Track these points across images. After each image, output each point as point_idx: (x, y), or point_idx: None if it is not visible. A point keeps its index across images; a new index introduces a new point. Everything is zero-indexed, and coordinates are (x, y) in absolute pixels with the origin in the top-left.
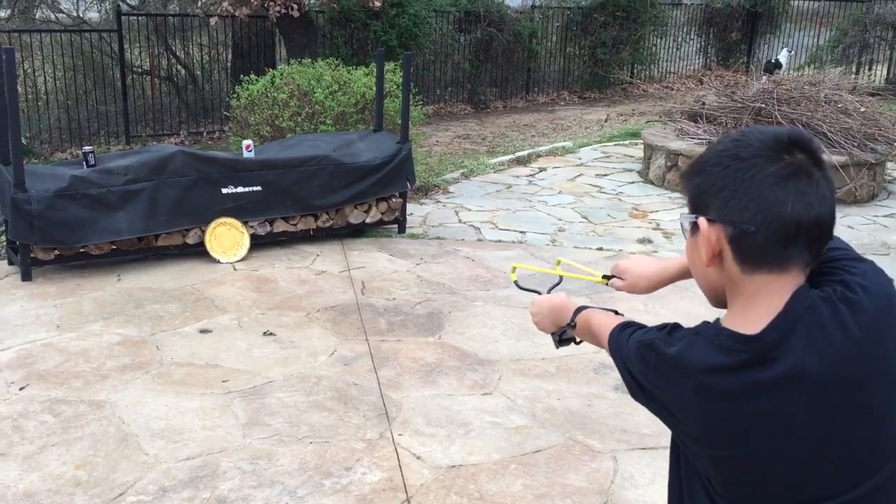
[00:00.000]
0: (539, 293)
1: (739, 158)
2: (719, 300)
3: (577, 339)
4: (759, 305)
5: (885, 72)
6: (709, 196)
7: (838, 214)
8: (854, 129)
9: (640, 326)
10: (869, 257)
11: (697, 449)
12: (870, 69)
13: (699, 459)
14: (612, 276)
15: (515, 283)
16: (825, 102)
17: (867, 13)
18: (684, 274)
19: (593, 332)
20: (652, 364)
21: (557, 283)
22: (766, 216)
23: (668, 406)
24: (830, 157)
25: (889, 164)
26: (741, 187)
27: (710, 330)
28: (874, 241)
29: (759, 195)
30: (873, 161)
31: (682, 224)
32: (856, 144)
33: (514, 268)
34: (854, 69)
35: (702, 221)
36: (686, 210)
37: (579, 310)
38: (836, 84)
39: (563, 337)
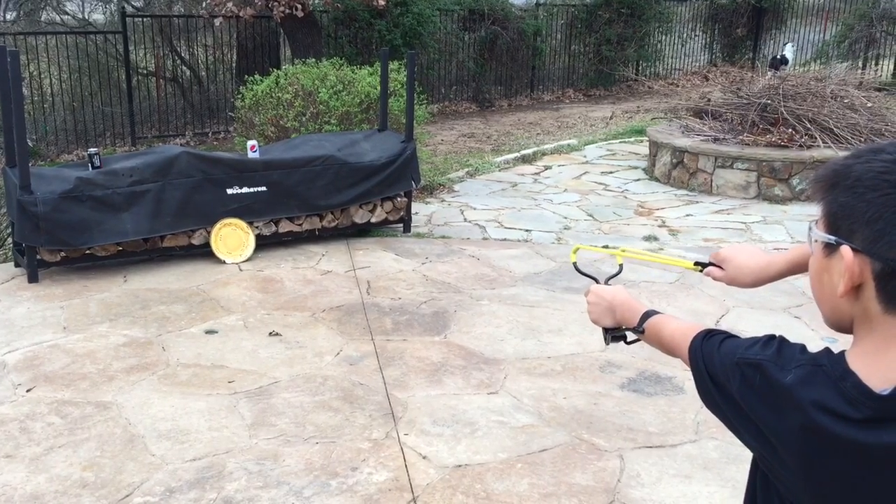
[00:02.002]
0: (597, 280)
1: None
2: (841, 327)
3: (629, 340)
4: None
5: (891, 67)
6: (857, 222)
7: None
8: (861, 124)
9: (729, 335)
10: None
11: (787, 476)
12: (876, 64)
13: (785, 484)
14: (708, 264)
15: (575, 265)
16: (831, 98)
17: (873, 8)
18: (791, 271)
19: (665, 341)
20: (757, 387)
21: (617, 273)
22: None
23: (765, 433)
24: (837, 153)
25: None
26: None
27: (835, 368)
28: None
29: None
30: None
31: (810, 236)
32: (863, 140)
33: (577, 248)
34: (860, 64)
35: (846, 250)
36: (815, 220)
37: (648, 314)
38: (843, 79)
39: (616, 335)
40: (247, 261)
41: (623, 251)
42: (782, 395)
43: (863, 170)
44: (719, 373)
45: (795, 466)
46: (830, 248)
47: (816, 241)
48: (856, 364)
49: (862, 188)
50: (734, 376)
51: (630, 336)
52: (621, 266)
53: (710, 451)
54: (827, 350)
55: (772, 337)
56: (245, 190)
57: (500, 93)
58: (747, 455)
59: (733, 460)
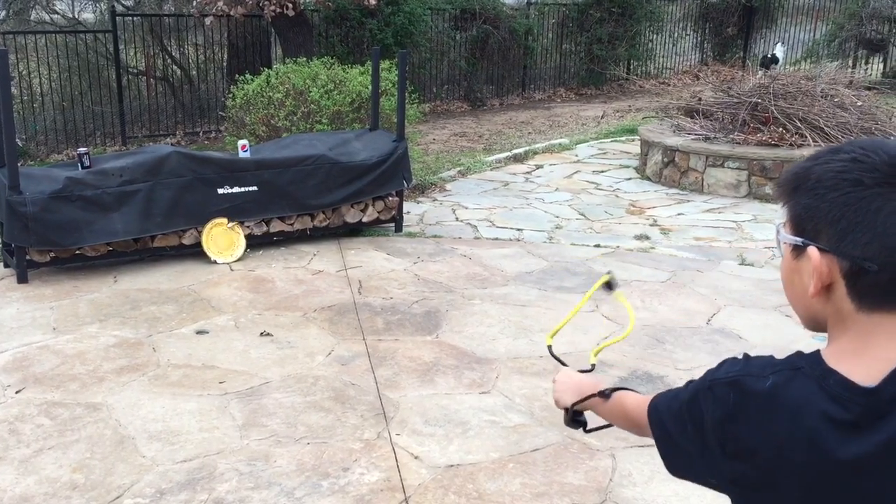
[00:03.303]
0: (566, 365)
1: (862, 185)
2: (817, 327)
3: (587, 427)
4: (875, 348)
5: (881, 66)
6: (821, 222)
7: None
8: (851, 123)
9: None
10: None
11: (772, 499)
12: (866, 63)
13: None
14: (611, 289)
15: (549, 347)
16: (822, 97)
17: (863, 7)
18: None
19: (629, 411)
20: (733, 404)
21: (589, 370)
22: (894, 254)
23: (747, 457)
24: None
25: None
26: (864, 220)
27: (814, 369)
28: None
29: (885, 231)
30: None
31: (778, 240)
32: (853, 139)
33: (553, 333)
34: (850, 63)
35: (813, 251)
36: (782, 223)
37: (616, 389)
38: (833, 78)
39: (577, 419)
40: (238, 261)
41: (595, 353)
42: (764, 404)
43: (822, 171)
44: (685, 412)
45: (785, 479)
46: (798, 250)
47: (784, 243)
48: (836, 363)
49: (823, 189)
50: (706, 404)
51: (591, 424)
52: (593, 366)
53: None
54: (798, 353)
55: (735, 357)
56: (236, 189)
57: (491, 92)
58: None
59: None
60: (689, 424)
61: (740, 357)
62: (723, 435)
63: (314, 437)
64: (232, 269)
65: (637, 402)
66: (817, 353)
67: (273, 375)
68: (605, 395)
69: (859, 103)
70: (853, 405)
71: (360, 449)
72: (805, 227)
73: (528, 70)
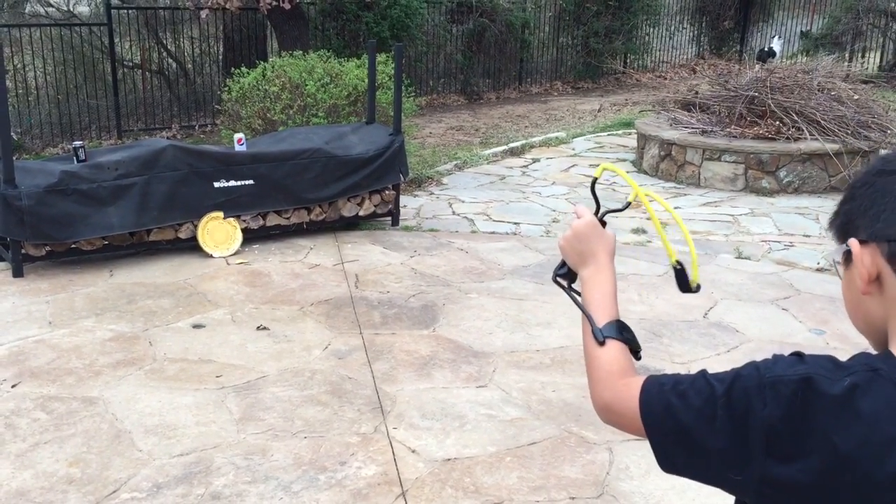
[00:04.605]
0: (598, 209)
1: (885, 172)
2: (878, 335)
3: (572, 295)
4: None
5: (878, 59)
6: (856, 218)
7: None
8: (847, 116)
9: (678, 378)
10: None
11: None
12: (863, 56)
13: None
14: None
15: (595, 181)
16: (818, 90)
17: (860, 0)
18: None
19: (602, 373)
20: (798, 404)
21: (620, 209)
22: None
23: (800, 461)
24: (824, 145)
25: (882, 152)
26: (891, 199)
27: (894, 370)
28: None
29: None
30: (867, 149)
31: (833, 262)
32: (849, 132)
33: (604, 168)
34: (847, 57)
35: (853, 243)
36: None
37: (618, 328)
38: (830, 72)
39: (561, 282)
40: (234, 254)
41: (646, 194)
42: (838, 407)
43: (854, 181)
44: (718, 405)
45: (843, 488)
46: (846, 257)
47: (838, 262)
48: None
49: (855, 191)
50: (760, 400)
51: (575, 298)
52: (628, 204)
53: None
54: (866, 354)
55: (782, 354)
56: (232, 183)
57: (488, 85)
58: None
59: None
60: (723, 419)
61: (798, 353)
62: (775, 435)
63: (311, 431)
64: (228, 263)
65: (621, 370)
66: (889, 353)
67: (270, 369)
68: (598, 340)
69: (856, 97)
70: None
71: (357, 443)
72: (847, 230)
73: (524, 63)
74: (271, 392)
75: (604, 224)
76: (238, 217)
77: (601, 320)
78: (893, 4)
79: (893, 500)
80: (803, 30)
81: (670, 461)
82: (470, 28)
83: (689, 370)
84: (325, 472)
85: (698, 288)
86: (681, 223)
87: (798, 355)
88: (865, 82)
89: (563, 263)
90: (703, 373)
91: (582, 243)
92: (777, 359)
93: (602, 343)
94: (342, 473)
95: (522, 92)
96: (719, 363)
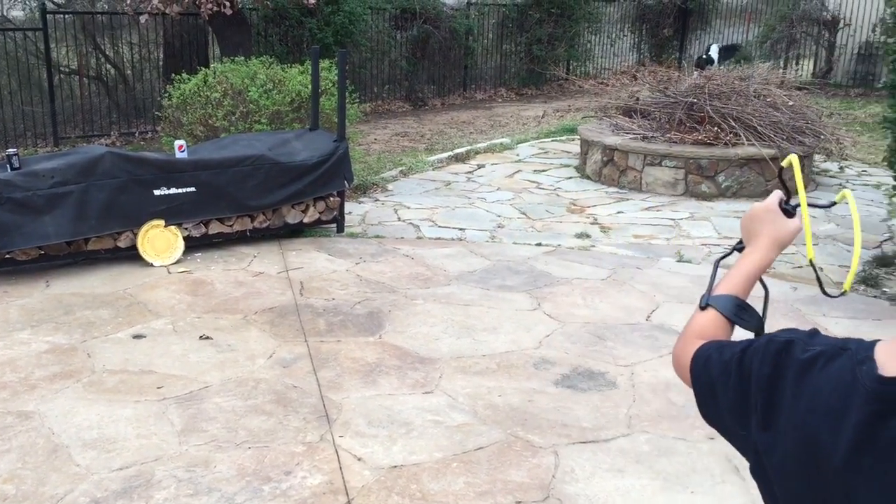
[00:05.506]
0: (788, 197)
1: None
2: None
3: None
4: None
5: (811, 66)
6: None
7: None
8: (783, 122)
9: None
10: (799, 248)
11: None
12: (797, 64)
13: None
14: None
15: (781, 170)
16: (755, 97)
17: (793, 9)
18: None
19: (693, 330)
20: (779, 366)
21: (825, 206)
22: None
23: (774, 422)
24: (760, 150)
25: (817, 157)
26: None
27: (860, 353)
28: (804, 231)
29: None
30: (801, 154)
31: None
32: (784, 137)
33: (791, 160)
34: (782, 64)
35: None
36: None
37: (732, 302)
38: (765, 79)
39: (738, 248)
40: (176, 263)
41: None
42: (798, 373)
43: None
44: (734, 363)
45: (796, 455)
46: None
47: None
48: (880, 351)
49: None
50: (756, 359)
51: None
52: (833, 203)
53: (642, 444)
54: (861, 339)
55: (799, 329)
56: (173, 191)
57: (433, 92)
58: (678, 447)
59: (664, 453)
60: (735, 375)
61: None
62: (765, 393)
63: (255, 441)
64: (170, 272)
65: (702, 333)
66: (875, 341)
67: (213, 379)
68: (701, 304)
69: (791, 103)
70: (872, 396)
71: (302, 452)
72: None
73: (469, 70)
74: (214, 402)
75: (791, 214)
76: (179, 225)
77: (722, 291)
78: (825, 14)
79: (845, 481)
80: (734, 43)
81: (704, 410)
82: (414, 34)
83: (632, 372)
84: (269, 482)
85: (843, 294)
86: (857, 234)
87: (812, 330)
88: (800, 89)
89: (741, 240)
90: (748, 339)
91: (753, 223)
92: (786, 329)
93: (703, 308)
94: (287, 483)
95: (467, 98)
96: (662, 365)
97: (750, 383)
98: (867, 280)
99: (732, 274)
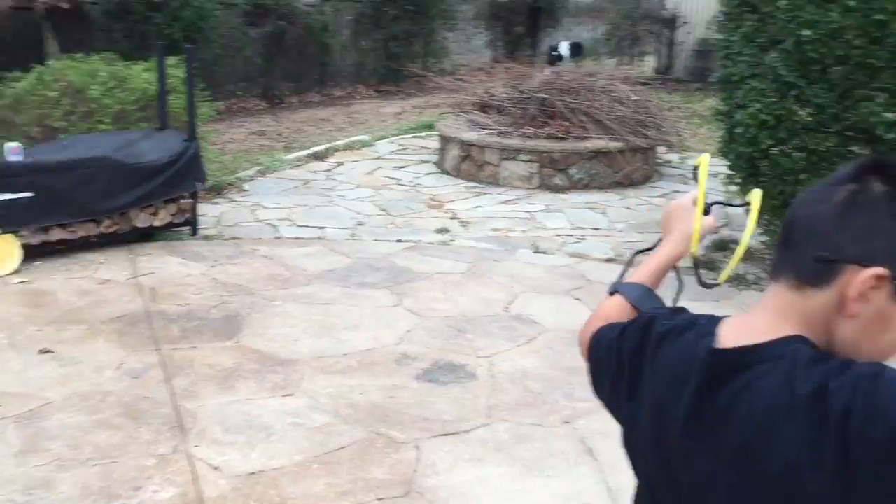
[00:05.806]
0: (740, 205)
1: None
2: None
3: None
4: (750, 316)
5: (654, 62)
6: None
7: (616, 197)
8: (627, 116)
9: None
10: (646, 236)
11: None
12: (641, 60)
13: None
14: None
15: (696, 170)
16: (601, 92)
17: (636, 8)
18: None
19: (598, 315)
20: (642, 339)
21: (739, 205)
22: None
23: (637, 391)
24: (608, 143)
25: (659, 149)
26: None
27: (707, 327)
28: (650, 220)
29: None
30: (645, 146)
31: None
32: (630, 131)
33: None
34: (627, 60)
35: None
36: None
37: (636, 292)
38: (611, 75)
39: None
40: (13, 273)
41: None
42: (653, 346)
43: None
44: (615, 340)
45: (649, 424)
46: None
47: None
48: (724, 326)
49: None
50: (628, 334)
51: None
52: (746, 204)
53: (501, 433)
54: (712, 315)
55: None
56: (7, 196)
57: (290, 89)
58: (535, 434)
59: (522, 440)
60: (615, 351)
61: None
62: (632, 367)
63: (102, 458)
64: (6, 283)
65: (606, 317)
66: (723, 317)
67: (55, 395)
68: (609, 290)
69: (634, 98)
70: (704, 366)
71: (153, 465)
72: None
73: (326, 67)
74: (58, 419)
75: (707, 211)
76: (16, 232)
77: (632, 280)
78: (664, 12)
79: (684, 448)
80: (577, 42)
81: (594, 387)
82: (268, 31)
83: (491, 363)
84: (117, 499)
85: (714, 285)
86: (749, 229)
87: (680, 308)
88: (643, 84)
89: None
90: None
91: (668, 219)
92: (659, 307)
93: (611, 294)
94: (136, 500)
95: (325, 95)
96: (519, 354)
97: (622, 358)
98: (707, 264)
99: (643, 265)
